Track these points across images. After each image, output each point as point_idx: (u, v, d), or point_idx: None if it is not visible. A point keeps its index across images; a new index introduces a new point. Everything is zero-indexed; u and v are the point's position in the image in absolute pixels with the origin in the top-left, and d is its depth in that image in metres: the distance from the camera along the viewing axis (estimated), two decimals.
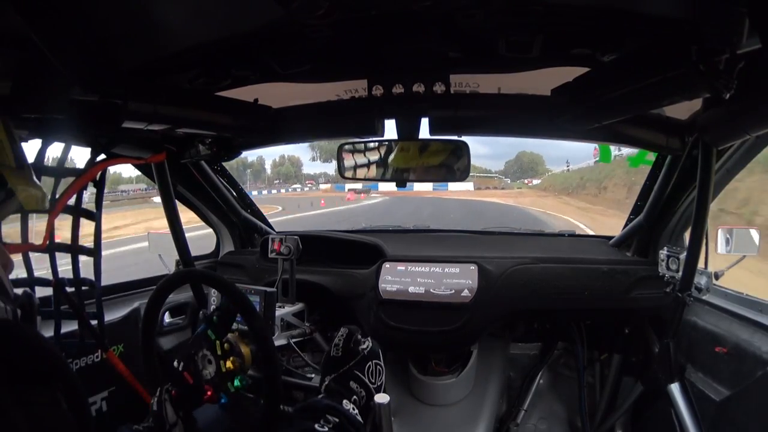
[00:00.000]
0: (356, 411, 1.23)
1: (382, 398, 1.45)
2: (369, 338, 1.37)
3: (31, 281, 1.40)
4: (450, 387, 2.00)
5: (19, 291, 0.71)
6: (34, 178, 0.79)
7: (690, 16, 0.95)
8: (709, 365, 1.55)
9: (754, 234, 1.67)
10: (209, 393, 1.34)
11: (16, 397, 0.57)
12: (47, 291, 1.46)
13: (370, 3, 1.02)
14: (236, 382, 1.30)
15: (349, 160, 1.65)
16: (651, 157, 1.85)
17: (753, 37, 0.86)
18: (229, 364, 1.30)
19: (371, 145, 1.62)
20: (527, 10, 1.05)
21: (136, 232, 14.21)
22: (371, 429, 1.76)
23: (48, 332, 1.43)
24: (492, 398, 2.02)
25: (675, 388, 1.62)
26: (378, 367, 1.34)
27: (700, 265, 1.61)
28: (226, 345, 1.31)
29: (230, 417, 1.37)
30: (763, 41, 0.86)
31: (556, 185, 36.75)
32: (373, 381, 1.32)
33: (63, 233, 1.49)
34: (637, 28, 1.06)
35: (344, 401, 1.24)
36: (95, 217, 1.54)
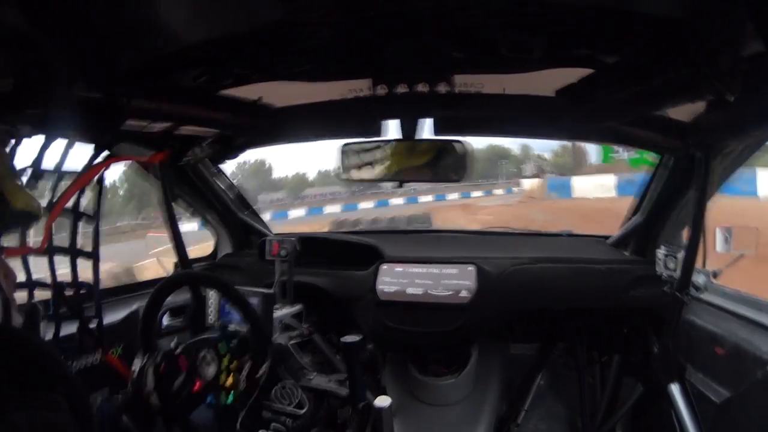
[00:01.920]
0: None
1: (383, 401, 1.45)
2: (268, 362, 1.34)
3: (30, 284, 1.38)
4: (450, 387, 2.00)
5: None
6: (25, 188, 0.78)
7: (693, 17, 0.95)
8: (708, 365, 1.56)
9: (753, 232, 1.69)
10: (198, 385, 1.34)
11: (17, 400, 0.57)
12: (46, 294, 1.44)
13: (372, 3, 1.02)
14: (230, 398, 1.29)
15: (351, 161, 1.64)
16: (651, 156, 1.87)
17: (756, 39, 0.87)
18: (230, 379, 1.30)
19: (374, 145, 1.61)
20: (528, 10, 1.05)
21: None
22: (372, 430, 1.76)
23: (47, 335, 1.42)
24: (492, 398, 2.02)
25: (675, 389, 1.63)
26: (285, 390, 1.31)
27: (698, 264, 1.63)
28: (233, 364, 1.31)
29: (216, 417, 1.36)
30: (766, 43, 0.87)
31: None
32: (288, 401, 1.30)
33: None
34: (639, 29, 1.07)
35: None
36: (94, 219, 1.53)
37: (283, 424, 1.28)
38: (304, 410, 1.28)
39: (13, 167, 0.76)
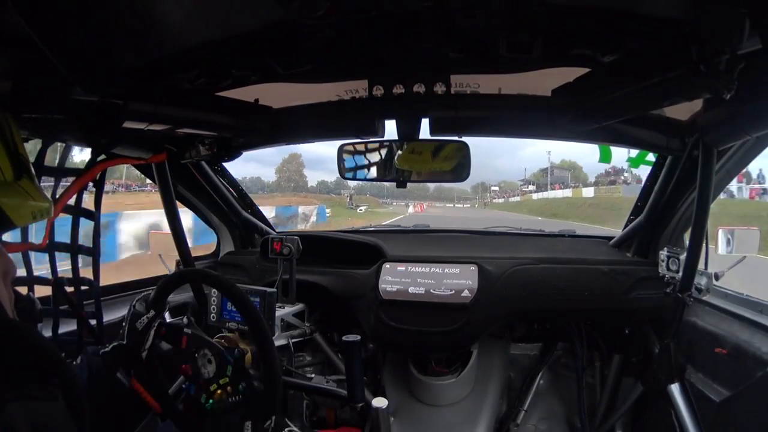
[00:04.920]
0: None
1: (379, 402, 1.45)
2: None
3: (30, 280, 1.40)
4: (450, 387, 2.00)
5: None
6: (37, 186, 0.77)
7: (690, 16, 0.94)
8: (709, 366, 1.55)
9: (755, 234, 1.67)
10: (184, 367, 1.35)
11: (13, 391, 0.57)
12: (46, 290, 1.46)
13: (371, 3, 1.02)
14: (209, 405, 1.30)
15: (349, 161, 1.65)
16: (651, 157, 1.85)
17: (753, 37, 0.86)
18: (218, 394, 1.31)
19: (372, 145, 1.62)
20: (528, 10, 1.05)
21: None
22: (370, 431, 1.76)
23: (47, 331, 1.43)
24: (492, 398, 2.01)
25: (675, 389, 1.62)
26: None
27: (701, 266, 1.61)
28: (230, 389, 1.32)
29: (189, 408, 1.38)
30: (763, 42, 0.87)
31: None
32: None
33: None
34: (637, 28, 1.06)
35: None
36: (95, 216, 1.54)
37: None
38: None
39: (20, 167, 0.75)
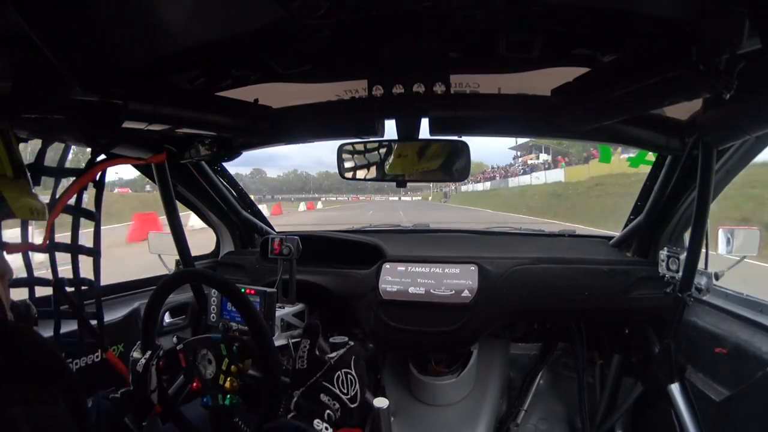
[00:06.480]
0: (329, 429, 1.25)
1: (380, 402, 1.45)
2: (343, 344, 1.41)
3: (31, 281, 1.40)
4: (450, 387, 2.00)
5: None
6: (32, 189, 0.81)
7: (690, 16, 0.95)
8: (709, 365, 1.55)
9: (755, 234, 1.67)
10: (195, 384, 1.36)
11: (16, 395, 0.57)
12: (47, 290, 1.46)
13: (371, 3, 1.02)
14: (227, 401, 1.31)
15: (348, 161, 1.65)
16: (651, 157, 1.85)
17: (753, 37, 0.86)
18: (228, 383, 1.31)
19: (371, 145, 1.62)
20: (527, 10, 1.05)
21: None
22: (370, 430, 1.76)
23: (47, 332, 1.43)
24: (492, 398, 2.02)
25: (675, 389, 1.62)
26: (349, 376, 1.33)
27: (701, 265, 1.61)
28: (233, 368, 1.32)
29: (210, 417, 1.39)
30: (763, 41, 0.86)
31: None
32: (345, 391, 1.33)
33: None
34: (637, 28, 1.06)
35: (316, 421, 1.24)
36: (95, 217, 1.54)
37: (334, 413, 1.31)
38: (355, 405, 1.34)
39: (19, 168, 0.78)
